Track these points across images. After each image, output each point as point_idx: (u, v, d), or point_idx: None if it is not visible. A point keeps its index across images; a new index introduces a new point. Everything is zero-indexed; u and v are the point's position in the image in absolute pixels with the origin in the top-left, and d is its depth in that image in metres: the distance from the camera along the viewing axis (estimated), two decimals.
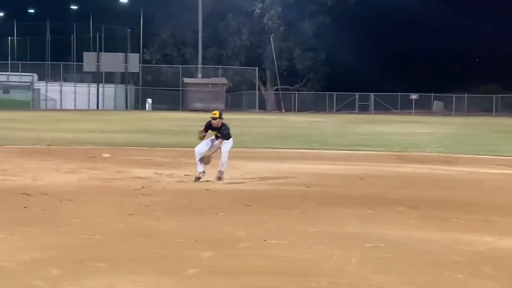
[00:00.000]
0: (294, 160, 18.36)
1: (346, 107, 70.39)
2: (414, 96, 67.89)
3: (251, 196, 11.57)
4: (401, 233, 8.63)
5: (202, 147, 13.59)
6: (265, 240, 8.05)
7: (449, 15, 73.02)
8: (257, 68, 73.35)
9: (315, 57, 76.23)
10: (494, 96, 68.38)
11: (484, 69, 76.26)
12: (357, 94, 71.08)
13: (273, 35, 75.11)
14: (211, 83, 68.80)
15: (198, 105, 66.82)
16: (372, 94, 70.35)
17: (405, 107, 69.06)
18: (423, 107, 69.66)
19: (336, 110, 69.85)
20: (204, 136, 13.78)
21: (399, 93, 68.96)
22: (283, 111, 70.95)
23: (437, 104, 71.02)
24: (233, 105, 71.21)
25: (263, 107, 73.88)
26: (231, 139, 13.90)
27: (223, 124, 13.71)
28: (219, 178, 13.35)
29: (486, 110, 67.17)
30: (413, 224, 9.28)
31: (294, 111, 70.29)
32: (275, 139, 26.49)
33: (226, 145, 13.69)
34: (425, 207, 10.68)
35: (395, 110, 68.76)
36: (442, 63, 77.56)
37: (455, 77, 74.22)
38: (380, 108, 69.31)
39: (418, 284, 6.28)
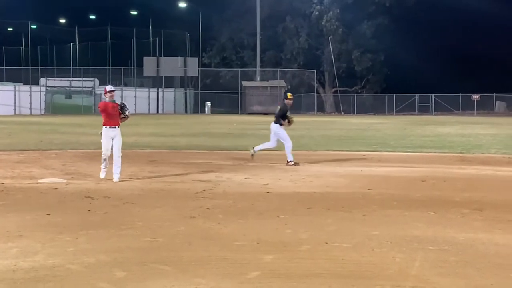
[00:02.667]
0: (355, 162, 18.24)
1: (406, 109, 69.63)
2: (475, 97, 66.74)
3: (312, 199, 11.53)
4: (466, 235, 8.48)
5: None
6: (327, 243, 8.02)
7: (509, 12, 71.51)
8: (315, 70, 73.16)
9: (374, 59, 75.63)
10: None
11: None
12: (417, 95, 70.24)
13: (331, 37, 74.80)
14: (270, 86, 68.91)
15: (257, 108, 67.06)
16: (432, 95, 69.42)
17: (467, 108, 67.95)
18: (485, 108, 68.41)
19: (396, 112, 69.15)
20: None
21: (460, 94, 67.88)
22: (342, 113, 70.59)
23: (499, 105, 69.63)
24: (292, 107, 71.14)
25: (321, 110, 73.65)
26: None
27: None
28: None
29: None
30: (478, 227, 9.11)
31: (353, 113, 69.87)
32: (335, 142, 26.37)
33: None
34: (490, 210, 10.47)
35: (456, 111, 67.70)
36: (504, 62, 76.00)
37: None
38: (441, 109, 68.35)
39: None
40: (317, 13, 75.44)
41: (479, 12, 70.50)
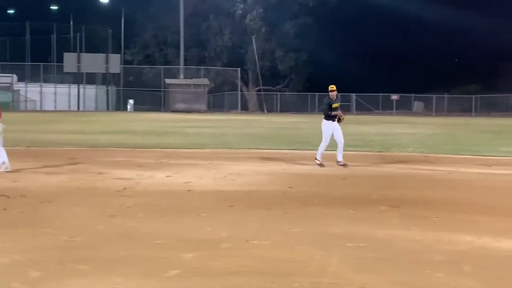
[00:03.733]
0: (277, 160, 18.36)
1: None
2: (395, 97, 68.19)
3: (234, 197, 11.55)
4: (383, 232, 8.64)
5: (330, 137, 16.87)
6: (247, 241, 8.04)
7: (430, 17, 73.46)
8: (239, 69, 73.34)
9: (297, 58, 76.36)
10: (473, 96, 68.81)
11: (464, 70, 76.77)
12: (338, 95, 71.24)
13: (255, 36, 75.12)
14: (193, 84, 68.72)
15: (180, 106, 66.75)
16: (353, 94, 70.56)
17: (386, 107, 69.38)
18: (404, 108, 69.98)
19: (318, 111, 69.94)
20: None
21: (380, 94, 69.24)
22: (265, 112, 70.98)
23: (417, 105, 71.34)
24: (215, 106, 71.17)
25: (245, 108, 73.87)
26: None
27: (336, 95, 16.96)
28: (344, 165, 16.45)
29: (465, 110, 67.58)
30: (395, 224, 9.30)
31: (276, 111, 70.34)
32: (258, 140, 26.48)
33: (340, 132, 16.98)
34: (407, 207, 10.71)
35: (376, 111, 69.03)
36: (422, 64, 78.05)
37: (435, 78, 74.70)
38: (362, 108, 69.56)
39: (399, 283, 6.28)
40: (240, 11, 75.65)
41: (400, 13, 72.18)
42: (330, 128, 16.99)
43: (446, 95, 69.38)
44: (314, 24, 73.20)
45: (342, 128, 17.05)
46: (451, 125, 43.22)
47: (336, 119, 16.88)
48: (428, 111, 69.00)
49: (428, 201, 11.40)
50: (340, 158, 16.85)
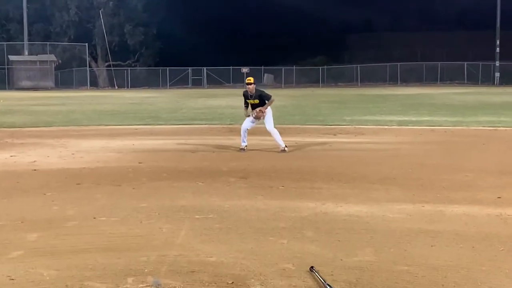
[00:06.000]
0: (127, 136, 18.18)
1: (180, 82, 70.47)
2: (245, 70, 69.01)
3: (82, 175, 11.35)
4: (231, 203, 8.81)
5: (247, 124, 14.61)
6: (94, 218, 7.95)
7: None
8: (87, 44, 71.54)
9: (147, 32, 75.51)
10: (320, 68, 70.96)
11: (311, 42, 78.94)
12: (190, 69, 71.27)
13: (102, 10, 73.45)
14: (39, 61, 66.40)
15: (26, 83, 64.38)
16: (204, 68, 70.82)
17: (238, 80, 70.15)
18: (255, 80, 71.18)
19: (170, 85, 69.73)
20: (247, 112, 14.68)
21: (231, 67, 69.90)
22: (116, 87, 69.84)
23: (267, 77, 72.66)
24: (64, 82, 69.14)
25: (95, 84, 72.29)
26: (270, 112, 14.51)
27: (257, 90, 14.53)
28: (283, 151, 14.31)
29: (313, 81, 69.62)
30: (243, 194, 9.50)
31: (127, 87, 69.42)
32: (108, 116, 26.07)
33: (270, 123, 14.43)
34: (254, 177, 10.96)
35: (227, 84, 69.69)
36: (271, 36, 79.47)
37: (283, 51, 76.33)
38: (213, 82, 69.99)
39: (244, 251, 6.45)
40: None
41: None
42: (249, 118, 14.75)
43: (294, 67, 71.09)
44: None
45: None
46: (299, 97, 44.39)
47: (253, 116, 14.59)
48: (277, 83, 70.47)
49: (274, 171, 11.72)
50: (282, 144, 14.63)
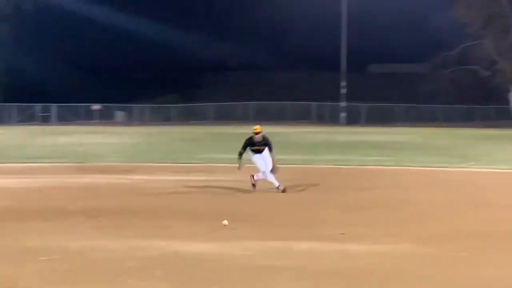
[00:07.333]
0: None
1: (28, 119, 68.22)
2: (96, 107, 67.89)
3: None
4: (78, 243, 8.63)
5: (263, 167, 14.10)
6: None
7: (131, 26, 74.60)
8: None
9: None
10: (173, 105, 71.10)
11: (164, 80, 79.09)
12: (38, 105, 69.23)
13: None
14: None
15: None
16: (54, 105, 69.02)
17: (88, 117, 68.84)
18: (106, 118, 70.00)
19: (18, 122, 67.34)
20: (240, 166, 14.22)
21: (82, 104, 68.56)
22: None
23: (119, 114, 71.81)
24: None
25: None
26: (269, 156, 14.21)
27: (263, 137, 14.25)
28: (284, 190, 13.92)
29: (166, 119, 69.53)
30: (91, 234, 9.33)
31: None
32: None
33: (268, 166, 14.14)
34: (104, 216, 10.81)
35: (78, 121, 68.22)
36: (124, 73, 78.94)
37: (136, 88, 75.90)
38: (63, 119, 68.32)
39: None
40: None
41: (101, 23, 72.34)
42: (259, 158, 14.35)
43: (147, 105, 70.78)
44: (10, 32, 70.27)
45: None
46: (152, 134, 44.19)
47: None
48: (130, 120, 69.80)
49: (125, 209, 11.60)
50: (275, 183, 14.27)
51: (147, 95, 73.29)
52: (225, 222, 9.82)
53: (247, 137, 14.52)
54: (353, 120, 63.29)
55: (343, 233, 9.42)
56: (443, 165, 20.34)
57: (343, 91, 64.51)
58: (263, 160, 14.26)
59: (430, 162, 21.20)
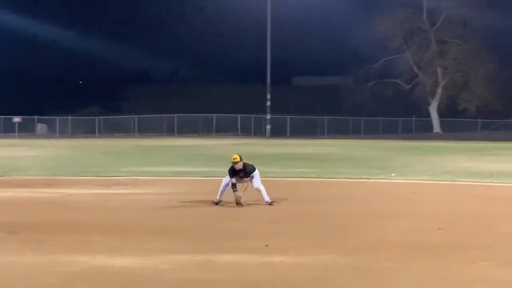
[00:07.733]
0: None
1: None
2: (17, 119, 66.36)
3: None
4: None
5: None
6: None
7: (53, 36, 73.56)
8: None
9: None
10: (96, 118, 70.12)
11: (87, 92, 78.05)
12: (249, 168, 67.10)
13: None
14: None
15: None
16: None
17: (9, 130, 67.17)
18: (27, 130, 68.49)
19: None
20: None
21: (2, 116, 66.89)
22: None
23: (41, 127, 70.37)
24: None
25: None
26: (257, 172, 14.07)
27: (245, 165, 13.88)
28: (272, 203, 13.81)
29: (89, 132, 68.51)
30: (11, 249, 9.12)
31: None
32: None
33: (257, 181, 13.94)
34: (24, 231, 10.56)
35: None
36: (45, 85, 77.54)
37: (58, 100, 74.56)
38: None
39: None
40: None
41: (26, 33, 71.14)
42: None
43: (69, 117, 69.60)
44: None
45: None
46: (75, 147, 43.45)
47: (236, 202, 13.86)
48: (52, 133, 68.48)
49: (46, 224, 11.38)
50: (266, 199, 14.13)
51: (70, 107, 72.05)
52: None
53: (229, 167, 14.03)
54: (278, 132, 63.78)
55: (267, 245, 9.48)
56: (365, 176, 20.70)
57: (268, 103, 64.97)
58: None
59: (353, 174, 21.54)
